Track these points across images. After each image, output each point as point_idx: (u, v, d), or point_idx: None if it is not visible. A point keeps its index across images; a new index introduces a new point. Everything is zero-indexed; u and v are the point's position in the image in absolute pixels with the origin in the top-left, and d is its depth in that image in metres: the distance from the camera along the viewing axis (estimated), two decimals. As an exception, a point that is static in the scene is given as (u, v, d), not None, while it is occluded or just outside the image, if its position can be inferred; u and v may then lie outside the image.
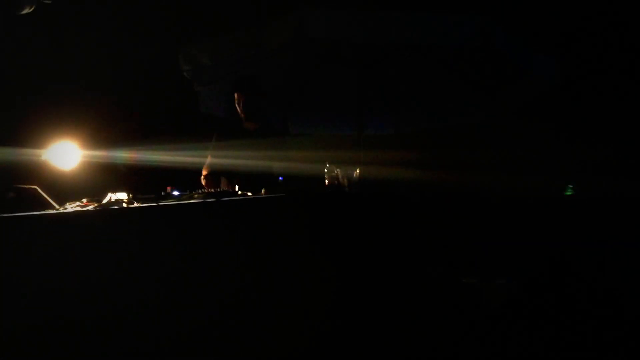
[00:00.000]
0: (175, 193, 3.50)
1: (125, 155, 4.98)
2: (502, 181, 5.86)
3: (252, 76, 4.47)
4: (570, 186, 6.16)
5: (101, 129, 5.79)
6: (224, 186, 4.13)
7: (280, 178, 4.02)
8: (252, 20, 4.57)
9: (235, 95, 4.34)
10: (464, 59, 4.86)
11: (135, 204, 3.40)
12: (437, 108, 5.98)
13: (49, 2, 4.12)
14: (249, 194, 3.32)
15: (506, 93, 5.44)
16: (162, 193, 3.47)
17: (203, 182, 4.29)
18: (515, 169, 5.71)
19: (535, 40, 5.11)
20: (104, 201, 3.45)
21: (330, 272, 2.97)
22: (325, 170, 3.45)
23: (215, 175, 4.28)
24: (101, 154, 4.75)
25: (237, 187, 3.46)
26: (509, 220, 5.65)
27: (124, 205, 3.39)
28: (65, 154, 4.72)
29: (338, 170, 3.47)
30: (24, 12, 4.18)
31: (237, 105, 4.34)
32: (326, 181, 3.43)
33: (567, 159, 6.05)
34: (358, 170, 3.53)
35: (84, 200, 3.57)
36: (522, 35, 4.77)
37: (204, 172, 4.34)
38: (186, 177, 4.26)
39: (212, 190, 3.52)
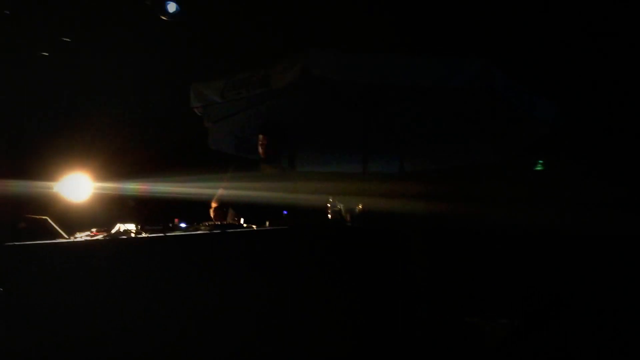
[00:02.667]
0: (183, 225, 3.60)
1: (134, 187, 5.09)
2: (504, 220, 5.91)
3: (277, 121, 4.64)
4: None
5: (112, 162, 5.92)
6: (230, 219, 4.22)
7: (285, 212, 4.12)
8: (260, 59, 4.71)
9: (260, 136, 4.49)
10: (464, 101, 4.98)
11: (143, 235, 3.50)
12: (440, 149, 6.09)
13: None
14: (254, 226, 3.41)
15: (507, 135, 5.54)
16: (170, 225, 3.57)
17: (212, 215, 4.39)
18: (516, 209, 5.76)
19: (534, 84, 5.23)
20: (113, 231, 3.56)
21: (330, 305, 3.03)
22: (328, 205, 3.54)
23: (224, 208, 4.39)
24: (111, 186, 4.87)
25: (242, 220, 3.56)
26: (511, 259, 5.68)
27: (132, 235, 3.49)
28: (77, 185, 4.86)
29: (341, 205, 3.56)
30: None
31: (259, 146, 4.49)
32: (329, 215, 3.53)
33: (568, 199, 6.11)
34: (360, 206, 3.62)
35: (93, 230, 3.69)
36: (522, 79, 4.89)
37: (214, 205, 4.45)
38: (193, 209, 4.36)
39: (219, 223, 3.62)
